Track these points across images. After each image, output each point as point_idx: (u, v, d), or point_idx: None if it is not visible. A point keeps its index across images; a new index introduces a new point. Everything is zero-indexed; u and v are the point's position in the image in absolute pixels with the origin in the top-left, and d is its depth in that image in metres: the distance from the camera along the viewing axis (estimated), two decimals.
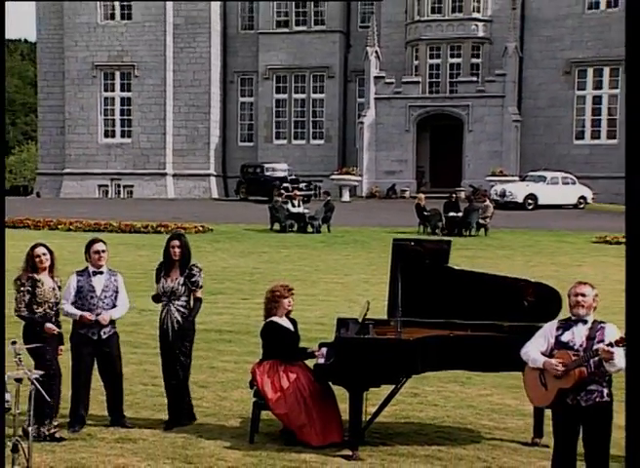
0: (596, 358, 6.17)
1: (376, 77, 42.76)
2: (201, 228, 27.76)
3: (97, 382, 8.61)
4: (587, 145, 43.02)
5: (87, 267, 8.41)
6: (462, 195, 35.22)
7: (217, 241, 25.77)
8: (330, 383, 8.01)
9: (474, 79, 42.45)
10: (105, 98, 46.99)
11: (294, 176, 39.82)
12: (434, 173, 43.86)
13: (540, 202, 37.33)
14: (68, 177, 47.05)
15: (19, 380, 6.52)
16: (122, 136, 47.05)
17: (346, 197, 39.84)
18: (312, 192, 39.55)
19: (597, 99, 43.05)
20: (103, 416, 8.60)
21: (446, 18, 43.06)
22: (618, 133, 42.47)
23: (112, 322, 8.38)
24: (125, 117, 46.95)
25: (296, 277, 19.31)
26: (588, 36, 42.54)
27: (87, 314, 8.19)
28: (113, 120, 47.13)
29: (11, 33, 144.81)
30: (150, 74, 46.24)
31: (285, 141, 47.14)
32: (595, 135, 43.18)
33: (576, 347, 6.30)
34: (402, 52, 44.41)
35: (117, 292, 8.42)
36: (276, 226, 29.01)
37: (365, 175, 42.20)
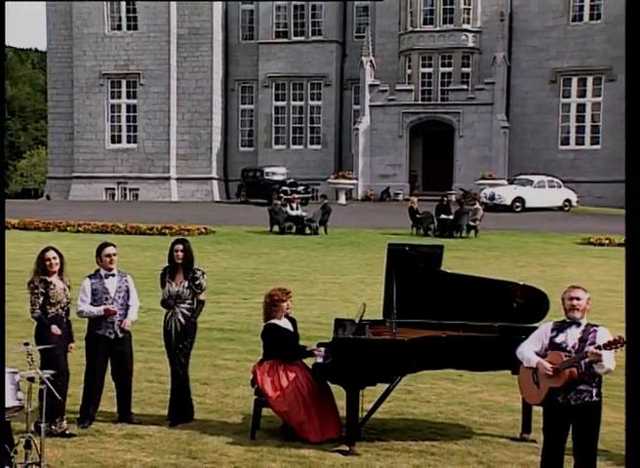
0: (587, 359, 6.18)
1: (370, 85, 42.74)
2: (204, 230, 27.70)
3: (105, 379, 8.60)
4: (572, 150, 43.05)
5: (98, 270, 8.42)
6: (453, 198, 35.24)
7: (219, 242, 25.70)
8: (328, 382, 8.01)
9: (464, 87, 42.46)
10: (112, 106, 46.91)
11: (292, 180, 39.75)
12: (426, 176, 43.83)
13: (528, 205, 37.32)
14: (77, 181, 46.97)
15: (31, 379, 6.53)
16: (128, 141, 46.97)
17: (342, 200, 39.80)
18: (310, 195, 39.47)
19: (581, 107, 43.10)
20: (111, 412, 8.59)
21: (437, 29, 43.06)
22: (601, 139, 42.60)
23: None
24: (131, 123, 46.87)
25: (294, 277, 19.30)
26: (573, 47, 42.63)
27: (110, 306, 8.22)
28: (120, 126, 47.05)
29: (22, 43, 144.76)
30: (155, 82, 46.18)
31: (284, 147, 47.10)
32: (579, 140, 43.23)
33: (568, 348, 6.31)
34: (395, 61, 44.38)
35: (128, 292, 8.45)
36: (275, 228, 28.92)
37: (360, 178, 42.15)
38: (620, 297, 17.47)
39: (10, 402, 6.34)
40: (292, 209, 29.62)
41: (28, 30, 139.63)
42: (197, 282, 8.50)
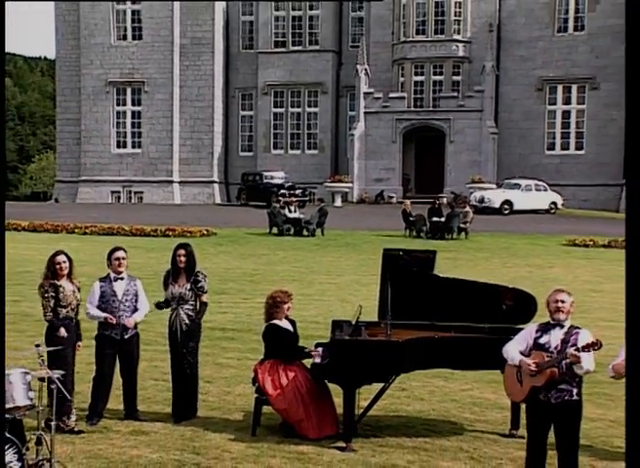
0: (567, 360, 6.20)
1: (365, 93, 42.75)
2: (205, 232, 27.65)
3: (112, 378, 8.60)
4: (558, 155, 43.12)
5: (108, 274, 8.43)
6: (445, 201, 35.23)
7: (220, 244, 25.66)
8: (326, 381, 8.01)
9: (455, 95, 42.49)
10: (118, 112, 46.87)
11: (290, 184, 39.73)
12: (419, 180, 43.82)
13: (516, 207, 37.35)
14: (84, 184, 46.91)
15: (42, 379, 6.53)
16: (133, 146, 46.93)
17: (338, 203, 39.77)
18: (307, 198, 39.41)
19: (566, 114, 43.18)
20: (118, 410, 8.58)
21: (429, 39, 43.09)
22: (585, 144, 42.73)
23: (135, 324, 8.45)
24: (135, 129, 46.84)
25: (292, 277, 19.28)
26: (558, 57, 42.74)
27: (109, 316, 8.25)
28: (125, 132, 47.01)
29: (32, 51, 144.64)
30: (159, 90, 46.16)
31: (282, 151, 47.08)
32: (564, 146, 43.31)
33: (551, 349, 6.33)
34: (389, 70, 44.37)
35: (137, 295, 8.45)
36: (274, 230, 28.87)
37: (355, 182, 42.15)
38: (603, 297, 17.55)
39: (21, 401, 6.33)
40: (290, 211, 29.59)
41: (38, 39, 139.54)
42: (199, 285, 8.51)
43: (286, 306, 8.20)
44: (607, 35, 41.81)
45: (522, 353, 6.45)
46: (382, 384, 8.24)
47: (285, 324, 8.23)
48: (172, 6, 45.57)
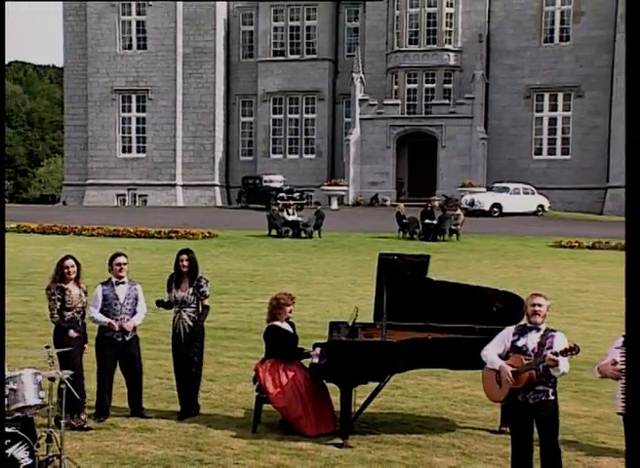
0: (544, 363, 6.24)
1: (360, 100, 42.77)
2: (207, 234, 27.61)
3: (118, 377, 8.59)
4: (544, 160, 43.17)
5: (110, 278, 8.42)
6: (437, 204, 35.24)
7: (221, 245, 25.63)
8: (324, 381, 8.01)
9: (447, 102, 42.51)
10: (123, 118, 46.81)
11: (289, 187, 39.68)
12: (412, 183, 43.83)
13: (505, 210, 37.40)
14: (91, 188, 46.86)
15: (52, 379, 6.52)
16: (137, 151, 46.88)
17: (335, 205, 39.77)
18: (305, 201, 39.43)
19: (553, 121, 43.24)
20: (124, 408, 8.58)
21: (422, 48, 43.12)
22: (570, 149, 42.82)
23: (134, 327, 8.42)
24: (140, 135, 46.79)
25: (291, 278, 19.26)
26: (544, 66, 42.81)
27: (114, 322, 8.24)
28: (130, 137, 46.95)
29: (41, 59, 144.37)
30: (162, 97, 46.13)
31: (281, 156, 47.06)
32: (551, 151, 43.36)
33: (528, 352, 6.37)
34: (383, 78, 44.39)
35: (137, 299, 8.44)
36: (273, 232, 28.82)
37: (351, 185, 42.15)
38: (588, 297, 17.58)
39: (32, 400, 6.34)
40: (288, 214, 29.55)
41: (47, 49, 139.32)
42: (202, 289, 8.52)
43: (288, 309, 8.20)
44: (591, 45, 41.93)
45: (500, 356, 6.48)
46: (378, 383, 8.24)
47: (285, 325, 8.24)
48: (175, 17, 45.57)
